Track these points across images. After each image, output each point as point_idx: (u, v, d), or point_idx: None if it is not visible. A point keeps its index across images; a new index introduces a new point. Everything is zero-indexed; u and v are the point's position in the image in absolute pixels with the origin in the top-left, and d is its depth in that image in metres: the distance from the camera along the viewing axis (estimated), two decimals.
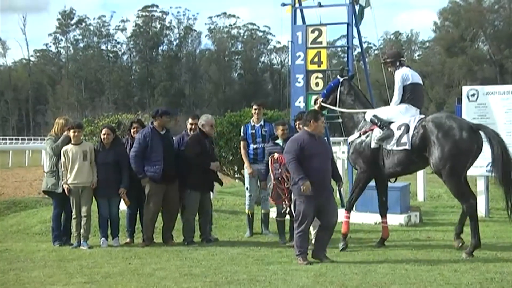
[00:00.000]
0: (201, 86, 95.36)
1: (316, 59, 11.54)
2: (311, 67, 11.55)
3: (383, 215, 9.04)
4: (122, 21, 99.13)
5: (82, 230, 9.12)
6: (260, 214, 10.20)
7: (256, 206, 10.30)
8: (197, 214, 9.51)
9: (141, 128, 9.60)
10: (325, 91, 9.44)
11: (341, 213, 10.14)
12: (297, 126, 9.10)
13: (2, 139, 57.71)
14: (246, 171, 10.08)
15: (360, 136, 8.80)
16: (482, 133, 8.09)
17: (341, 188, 8.87)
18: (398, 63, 8.87)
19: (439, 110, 66.02)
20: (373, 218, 10.67)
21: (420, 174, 14.31)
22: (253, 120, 10.24)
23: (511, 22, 72.03)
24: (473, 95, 11.53)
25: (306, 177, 7.44)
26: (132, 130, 9.75)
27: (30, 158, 32.04)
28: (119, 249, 9.00)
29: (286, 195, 8.24)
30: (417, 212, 11.27)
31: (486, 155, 11.06)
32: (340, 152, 13.89)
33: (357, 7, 11.90)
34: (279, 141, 9.06)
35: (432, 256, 8.02)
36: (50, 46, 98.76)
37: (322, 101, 9.25)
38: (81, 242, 9.11)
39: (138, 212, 9.61)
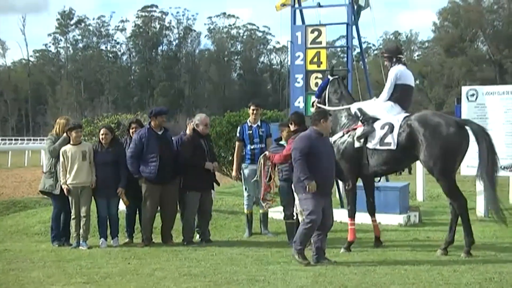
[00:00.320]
0: (200, 87, 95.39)
1: (315, 59, 11.56)
2: (311, 67, 11.56)
3: (372, 214, 8.96)
4: (122, 21, 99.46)
5: (81, 230, 9.12)
6: (258, 214, 10.20)
7: (255, 206, 10.29)
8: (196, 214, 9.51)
9: (139, 128, 9.60)
10: (317, 92, 9.49)
11: (341, 212, 10.18)
12: (282, 132, 9.01)
13: (2, 140, 57.66)
14: (246, 171, 10.04)
15: (343, 135, 8.72)
16: (468, 129, 7.98)
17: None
18: (394, 59, 8.72)
19: (438, 110, 66.19)
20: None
21: (419, 174, 14.31)
22: (249, 121, 10.20)
23: (510, 23, 72.04)
24: (473, 95, 11.53)
25: (312, 177, 7.41)
26: (131, 131, 9.76)
27: (30, 158, 32.02)
28: (118, 249, 9.00)
29: (272, 193, 8.64)
30: (416, 212, 11.28)
31: None
32: None
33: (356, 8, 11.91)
34: (283, 142, 9.00)
35: (431, 256, 8.02)
36: (49, 47, 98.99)
37: (317, 102, 9.27)
38: (80, 242, 9.11)
39: (137, 212, 9.61)
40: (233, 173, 10.17)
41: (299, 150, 7.54)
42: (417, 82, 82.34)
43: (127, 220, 9.65)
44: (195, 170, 9.18)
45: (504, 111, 11.25)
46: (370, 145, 8.34)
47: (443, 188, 8.22)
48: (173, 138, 9.61)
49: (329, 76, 9.43)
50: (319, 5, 12.01)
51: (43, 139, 14.01)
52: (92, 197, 9.32)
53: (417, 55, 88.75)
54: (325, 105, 9.15)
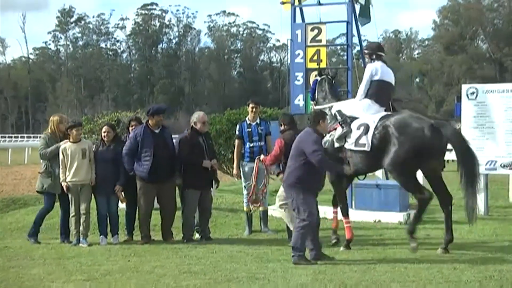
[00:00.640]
0: (200, 84, 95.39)
1: (315, 57, 11.54)
2: (311, 65, 11.55)
3: (345, 215, 8.82)
4: (122, 19, 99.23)
5: (81, 228, 9.12)
6: (258, 212, 10.20)
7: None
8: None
9: (139, 125, 9.61)
10: (311, 95, 9.55)
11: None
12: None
13: (2, 137, 57.65)
14: (245, 169, 10.04)
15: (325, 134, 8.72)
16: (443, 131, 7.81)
17: None
18: (374, 56, 8.69)
19: (438, 108, 66.27)
20: (372, 216, 10.68)
21: (419, 172, 14.27)
22: (248, 119, 10.19)
23: (510, 21, 71.98)
24: (473, 93, 11.53)
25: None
26: (130, 128, 9.76)
27: (30, 155, 32.01)
28: (118, 246, 9.00)
29: (262, 197, 8.89)
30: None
31: (485, 152, 11.17)
32: None
33: (357, 6, 11.89)
34: None
35: (431, 254, 8.02)
36: (49, 44, 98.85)
37: (314, 104, 9.32)
38: (81, 239, 9.12)
39: (137, 210, 9.61)
40: (234, 171, 10.18)
41: (320, 146, 7.63)
42: (417, 80, 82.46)
43: (127, 217, 9.65)
44: (194, 168, 9.17)
45: (504, 109, 11.24)
46: (347, 145, 8.34)
47: (403, 185, 8.33)
48: (177, 136, 9.61)
49: (317, 77, 9.49)
50: (319, 3, 12.00)
51: None
52: (92, 195, 9.33)
53: (417, 53, 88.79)
54: (316, 105, 9.22)
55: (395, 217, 10.62)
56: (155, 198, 9.48)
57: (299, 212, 7.53)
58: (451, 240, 8.13)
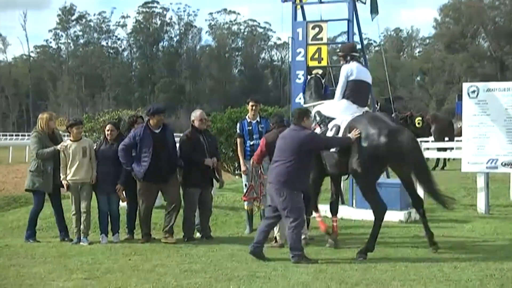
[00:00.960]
0: (201, 83, 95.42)
1: (316, 56, 11.52)
2: (312, 63, 11.52)
3: (334, 213, 8.87)
4: (123, 17, 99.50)
5: (82, 226, 9.13)
6: (259, 210, 10.18)
7: (255, 202, 10.26)
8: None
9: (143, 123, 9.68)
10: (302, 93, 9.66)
11: (341, 209, 10.18)
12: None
13: (3, 135, 57.69)
14: (246, 167, 10.03)
15: None
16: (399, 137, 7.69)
17: None
18: (349, 57, 8.73)
19: (439, 106, 66.21)
20: (373, 215, 10.65)
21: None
22: (249, 117, 10.18)
23: (511, 19, 71.93)
24: (474, 91, 11.50)
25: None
26: (135, 126, 9.74)
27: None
28: (119, 245, 9.00)
29: (260, 195, 8.88)
30: None
31: (486, 151, 11.17)
32: None
33: (358, 5, 11.88)
34: None
35: (432, 252, 8.01)
36: (50, 42, 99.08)
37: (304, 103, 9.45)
38: (81, 238, 9.12)
39: (137, 208, 9.61)
40: (242, 168, 10.11)
41: (313, 132, 7.88)
42: (418, 78, 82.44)
43: (128, 216, 9.65)
44: (195, 166, 9.18)
45: (505, 107, 11.21)
46: None
47: (363, 194, 8.20)
48: (181, 135, 9.63)
49: (307, 76, 9.58)
50: (320, 1, 11.99)
51: None
52: (94, 193, 9.33)
53: (418, 52, 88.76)
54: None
55: (396, 216, 10.60)
56: (156, 197, 9.47)
57: (291, 211, 7.53)
58: (432, 235, 8.12)
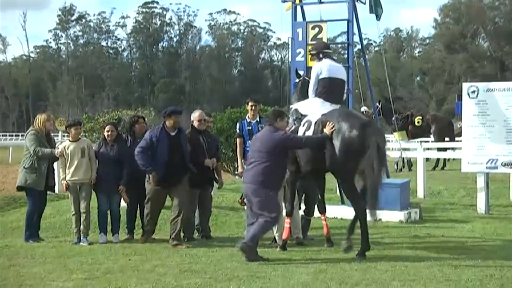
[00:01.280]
0: (201, 83, 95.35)
1: None
2: (312, 63, 11.51)
3: (322, 212, 8.85)
4: (122, 17, 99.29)
5: (81, 226, 9.13)
6: None
7: None
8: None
9: (144, 123, 9.71)
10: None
11: (341, 209, 10.20)
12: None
13: (3, 135, 57.67)
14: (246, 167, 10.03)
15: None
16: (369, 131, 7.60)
17: None
18: (321, 55, 8.69)
19: (439, 107, 66.16)
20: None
21: (420, 171, 14.30)
22: (248, 117, 10.18)
23: (511, 19, 71.91)
24: (474, 92, 11.51)
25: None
26: (137, 125, 9.72)
27: None
28: (119, 245, 9.00)
29: None
30: (417, 209, 11.26)
31: (486, 151, 11.17)
32: None
33: (358, 4, 11.88)
34: None
35: (432, 253, 8.02)
36: (50, 43, 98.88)
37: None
38: (81, 238, 9.13)
39: (138, 208, 9.61)
40: (239, 170, 10.13)
41: (286, 132, 7.93)
42: (418, 78, 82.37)
43: (128, 216, 9.64)
44: (194, 166, 9.16)
45: (505, 108, 11.22)
46: None
47: (344, 191, 8.13)
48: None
49: (296, 79, 9.61)
50: (320, 1, 12.00)
51: None
52: (94, 193, 9.33)
53: (418, 52, 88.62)
54: None
55: (396, 216, 10.61)
56: (165, 200, 9.39)
57: (269, 211, 7.59)
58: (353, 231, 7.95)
